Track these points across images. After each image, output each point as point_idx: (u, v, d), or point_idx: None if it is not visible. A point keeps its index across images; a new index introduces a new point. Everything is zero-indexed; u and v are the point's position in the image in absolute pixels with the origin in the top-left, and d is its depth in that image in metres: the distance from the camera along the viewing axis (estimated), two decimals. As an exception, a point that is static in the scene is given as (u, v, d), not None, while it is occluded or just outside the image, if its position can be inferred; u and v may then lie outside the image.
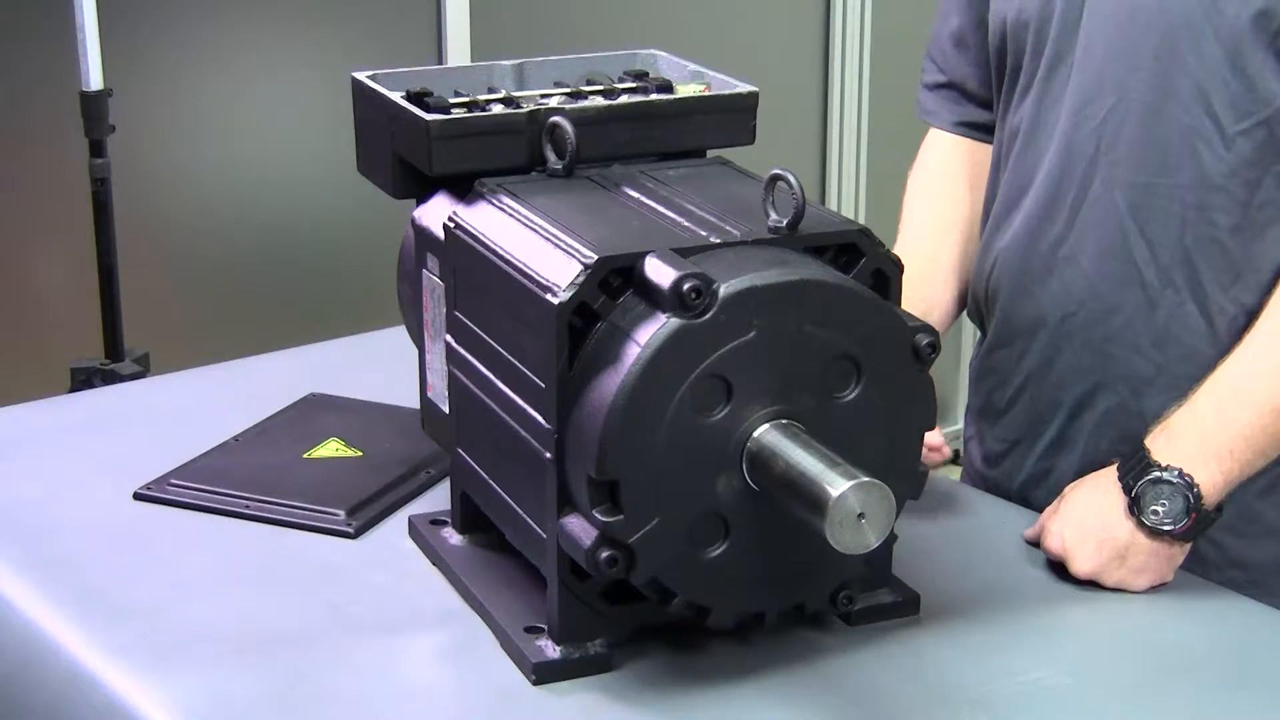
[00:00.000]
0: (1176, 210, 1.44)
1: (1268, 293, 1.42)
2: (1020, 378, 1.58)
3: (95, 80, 2.48)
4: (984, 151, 1.68)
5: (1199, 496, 1.34)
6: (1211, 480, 1.35)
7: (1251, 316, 1.43)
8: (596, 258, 1.16)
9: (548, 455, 1.17)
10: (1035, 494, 1.56)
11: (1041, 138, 1.53)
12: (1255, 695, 1.24)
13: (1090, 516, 1.37)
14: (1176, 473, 1.34)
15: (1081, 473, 1.49)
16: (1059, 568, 1.39)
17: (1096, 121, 1.47)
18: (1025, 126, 1.54)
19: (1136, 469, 1.36)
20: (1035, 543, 1.43)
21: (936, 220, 1.70)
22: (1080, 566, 1.36)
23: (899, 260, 1.23)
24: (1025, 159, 1.55)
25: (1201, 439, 1.36)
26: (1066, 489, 1.43)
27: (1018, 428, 1.59)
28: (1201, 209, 1.43)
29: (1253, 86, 1.40)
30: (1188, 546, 1.37)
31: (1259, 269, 1.43)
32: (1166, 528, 1.35)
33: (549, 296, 1.15)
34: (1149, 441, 1.38)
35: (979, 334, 1.67)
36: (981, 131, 1.69)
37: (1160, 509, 1.35)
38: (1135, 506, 1.35)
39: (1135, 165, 1.45)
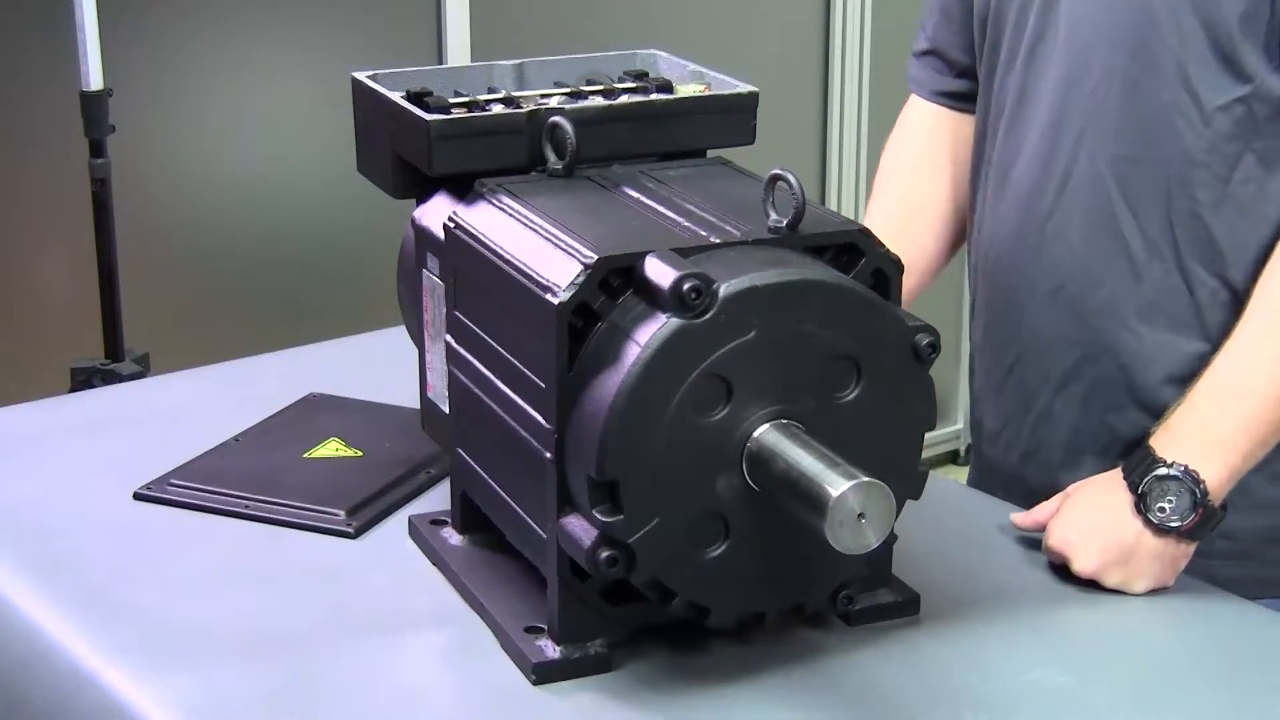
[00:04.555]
0: (1162, 183, 1.46)
1: (1252, 274, 1.44)
2: (1013, 354, 1.59)
3: (95, 80, 2.48)
4: (960, 122, 1.70)
5: (1205, 491, 1.35)
6: (1216, 474, 1.36)
7: (1234, 293, 1.45)
8: (596, 258, 1.16)
9: (548, 455, 1.17)
10: (1027, 469, 1.57)
11: (1028, 113, 1.54)
12: (1254, 696, 1.24)
13: (1096, 515, 1.37)
14: (1181, 468, 1.35)
15: (1070, 447, 1.51)
16: (1059, 569, 1.39)
17: (1082, 97, 1.49)
18: (1011, 101, 1.56)
19: (1141, 467, 1.37)
20: (1024, 536, 1.42)
21: (915, 191, 1.74)
22: (1083, 565, 1.36)
23: (899, 260, 1.24)
24: (1013, 134, 1.56)
25: (1204, 433, 1.37)
26: (1070, 488, 1.43)
27: (1012, 402, 1.60)
28: (1184, 184, 1.45)
29: (1231, 63, 1.42)
30: (1192, 548, 1.37)
31: (1241, 246, 1.45)
32: (1174, 524, 1.35)
33: (549, 296, 1.15)
34: (1152, 440, 1.38)
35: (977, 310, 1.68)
36: (958, 101, 1.71)
37: (1167, 505, 1.35)
38: (1142, 504, 1.36)
39: (1120, 139, 1.47)
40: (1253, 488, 1.48)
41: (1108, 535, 1.36)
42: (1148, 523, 1.35)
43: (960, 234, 1.74)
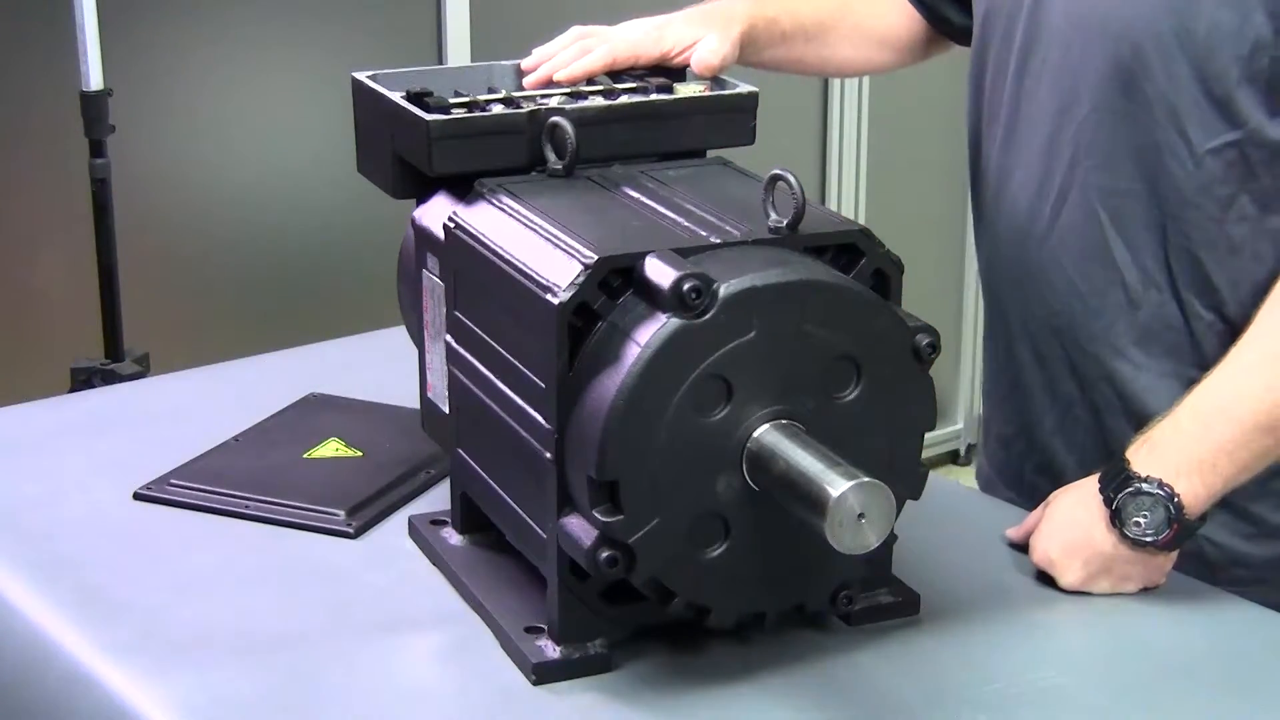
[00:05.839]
0: (1155, 218, 1.45)
1: (1248, 309, 1.42)
2: (1014, 370, 1.59)
3: (95, 80, 2.48)
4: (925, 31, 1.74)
5: (1180, 507, 1.33)
6: (1193, 492, 1.33)
7: (1230, 325, 1.44)
8: (596, 258, 1.16)
9: (548, 455, 1.17)
10: (1041, 480, 1.57)
11: (1021, 132, 1.53)
12: (1254, 696, 1.24)
13: (1073, 530, 1.37)
14: (1157, 484, 1.33)
15: (1082, 465, 1.50)
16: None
17: (1074, 128, 1.47)
18: (1005, 116, 1.55)
19: (1116, 481, 1.35)
20: (1018, 545, 1.42)
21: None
22: (1069, 580, 1.36)
23: (899, 260, 1.24)
24: (1008, 151, 1.55)
25: (1184, 451, 1.34)
26: (1051, 496, 1.43)
27: (1020, 413, 1.60)
28: (1176, 220, 1.44)
29: (1224, 108, 1.40)
30: (1174, 554, 1.37)
31: (1236, 283, 1.43)
32: (1149, 539, 1.34)
33: (549, 296, 1.15)
34: (1129, 453, 1.36)
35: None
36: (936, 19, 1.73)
37: (1142, 520, 1.34)
38: (1117, 519, 1.34)
39: (1111, 172, 1.46)
40: (1262, 517, 1.48)
41: (1086, 550, 1.35)
42: (1123, 537, 1.34)
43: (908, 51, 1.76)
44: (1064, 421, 1.55)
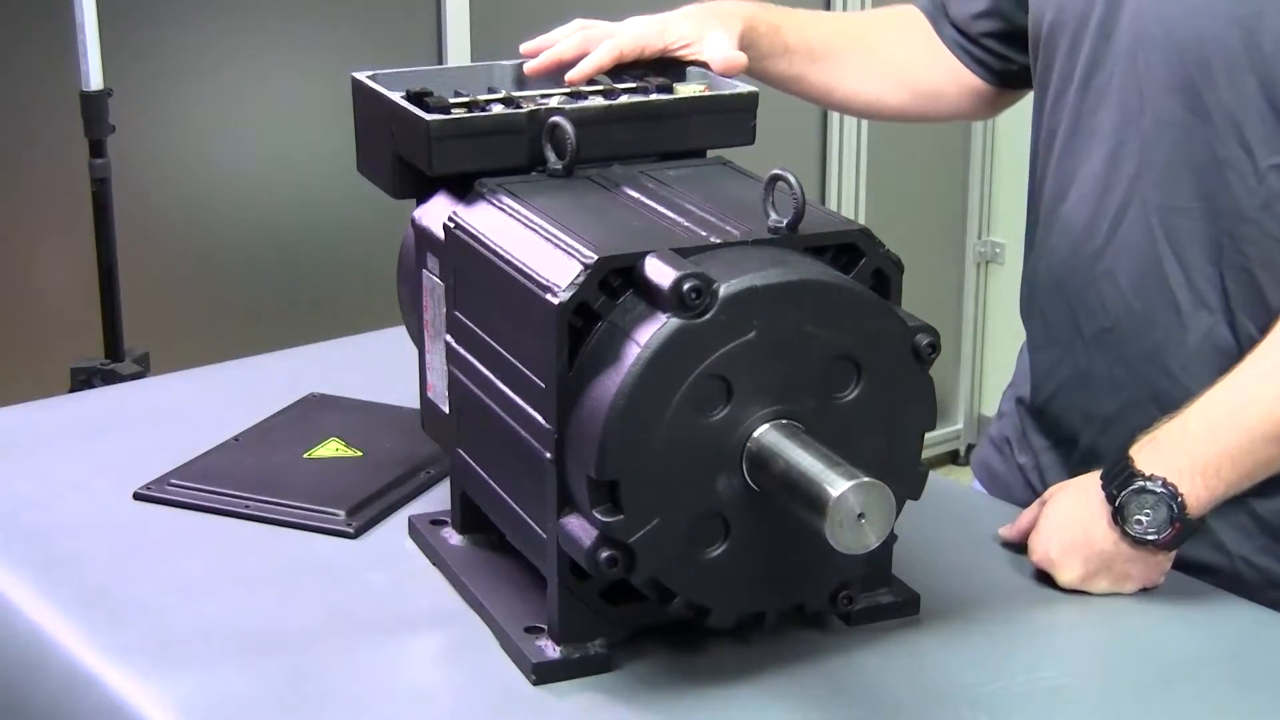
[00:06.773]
0: (1213, 236, 1.43)
1: None
2: (1055, 384, 1.58)
3: (95, 80, 2.48)
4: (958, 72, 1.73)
5: (1183, 506, 1.33)
6: (1196, 494, 1.33)
7: None
8: (596, 258, 1.16)
9: (548, 455, 1.17)
10: None
11: (1080, 145, 1.52)
12: (1255, 696, 1.24)
13: (1073, 528, 1.36)
14: (1160, 482, 1.33)
15: None
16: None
17: (1137, 142, 1.46)
18: (1064, 131, 1.54)
19: (1120, 479, 1.35)
20: (1012, 544, 1.42)
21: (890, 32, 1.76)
22: (1068, 578, 1.36)
23: (899, 260, 1.24)
24: (1064, 165, 1.54)
25: (1190, 453, 1.34)
26: (1047, 493, 1.42)
27: (1052, 430, 1.59)
28: (1234, 239, 1.42)
29: None
30: (1173, 554, 1.37)
31: None
32: (1150, 537, 1.34)
33: (549, 296, 1.15)
34: (1133, 451, 1.36)
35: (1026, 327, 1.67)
36: (969, 49, 1.71)
37: (1144, 519, 1.33)
38: (1119, 516, 1.34)
39: (1170, 189, 1.44)
40: None
41: (1087, 548, 1.35)
42: (1124, 534, 1.34)
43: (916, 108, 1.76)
44: (1099, 442, 1.53)
